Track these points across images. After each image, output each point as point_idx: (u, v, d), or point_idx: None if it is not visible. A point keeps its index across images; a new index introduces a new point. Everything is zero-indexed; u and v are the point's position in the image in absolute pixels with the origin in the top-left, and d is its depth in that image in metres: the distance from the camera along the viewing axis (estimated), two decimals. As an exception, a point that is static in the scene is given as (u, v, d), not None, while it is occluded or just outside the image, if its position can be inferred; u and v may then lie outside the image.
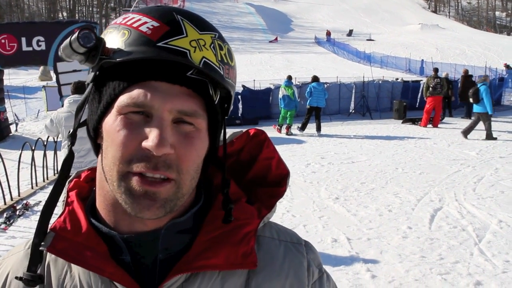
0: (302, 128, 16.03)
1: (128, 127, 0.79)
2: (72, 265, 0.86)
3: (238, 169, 1.00)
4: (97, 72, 0.82)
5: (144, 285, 0.84)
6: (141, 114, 0.79)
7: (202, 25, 0.83)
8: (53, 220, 0.88)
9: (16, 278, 0.85)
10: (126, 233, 0.85)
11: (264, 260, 0.89)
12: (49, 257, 0.88)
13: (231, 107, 0.91)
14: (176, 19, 0.81)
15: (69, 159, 0.86)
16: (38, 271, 0.85)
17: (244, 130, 1.01)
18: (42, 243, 0.84)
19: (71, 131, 0.86)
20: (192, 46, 0.79)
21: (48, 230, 0.86)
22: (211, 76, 0.81)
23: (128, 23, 0.82)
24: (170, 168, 0.79)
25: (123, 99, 0.79)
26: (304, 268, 0.93)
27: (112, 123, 0.80)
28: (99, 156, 0.86)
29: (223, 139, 0.92)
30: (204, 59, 0.80)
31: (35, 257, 0.84)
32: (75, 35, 0.79)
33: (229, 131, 0.97)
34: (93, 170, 0.97)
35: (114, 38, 0.81)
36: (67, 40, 0.82)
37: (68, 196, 0.92)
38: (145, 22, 0.81)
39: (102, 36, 0.83)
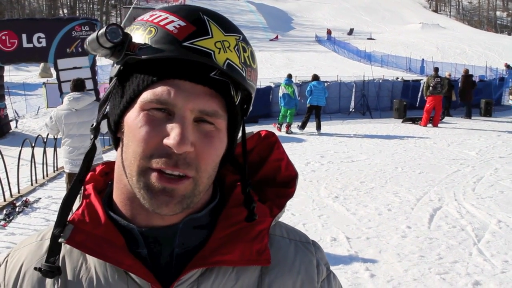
0: (302, 126, 16.03)
1: (150, 124, 0.80)
2: (88, 257, 0.88)
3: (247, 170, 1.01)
4: (121, 67, 0.83)
5: (160, 279, 0.85)
6: (163, 111, 0.80)
7: (227, 26, 0.84)
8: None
9: (35, 269, 0.86)
10: (144, 227, 0.87)
11: (276, 257, 0.92)
12: (64, 249, 0.89)
13: (251, 108, 0.92)
14: (202, 19, 0.82)
15: (92, 151, 0.88)
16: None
17: (255, 131, 1.02)
18: (62, 235, 0.85)
19: (95, 124, 0.87)
20: (217, 47, 0.81)
21: (67, 223, 0.87)
22: (234, 78, 0.82)
23: (155, 20, 0.83)
24: (190, 166, 0.80)
25: (146, 96, 0.80)
26: (313, 266, 0.96)
27: (134, 119, 0.82)
28: (119, 149, 0.88)
29: (242, 140, 0.94)
30: (228, 60, 0.81)
31: (55, 249, 0.86)
32: (103, 29, 0.81)
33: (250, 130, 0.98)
34: (107, 164, 1.00)
35: (141, 35, 0.82)
36: (94, 34, 0.84)
37: (85, 189, 0.93)
38: (172, 21, 0.82)
39: (128, 31, 0.85)
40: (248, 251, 0.87)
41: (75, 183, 0.88)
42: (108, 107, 0.88)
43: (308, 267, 0.95)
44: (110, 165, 0.99)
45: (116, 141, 0.90)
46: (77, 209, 0.89)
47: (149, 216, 0.86)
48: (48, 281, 0.88)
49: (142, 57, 0.79)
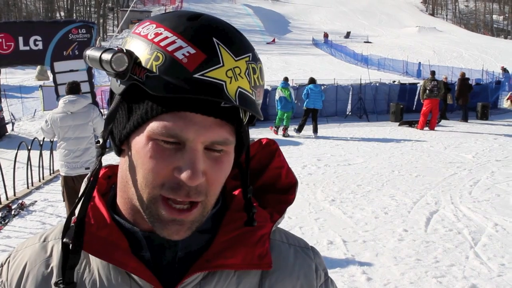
0: (299, 130, 16.01)
1: (160, 155, 0.79)
2: (91, 258, 0.88)
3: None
4: (126, 87, 0.81)
5: (163, 282, 0.85)
6: (172, 143, 0.79)
7: (238, 49, 0.80)
8: (51, 218, 0.88)
9: (55, 284, 0.85)
10: (147, 230, 0.87)
11: (276, 262, 0.93)
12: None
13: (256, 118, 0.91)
14: (212, 43, 0.78)
15: (98, 170, 0.87)
16: (54, 264, 0.89)
17: (256, 139, 1.03)
18: (66, 238, 0.85)
19: (101, 141, 0.84)
20: (228, 76, 0.77)
21: (71, 224, 0.87)
22: (245, 105, 0.80)
23: (162, 44, 0.78)
24: (201, 194, 0.80)
25: (156, 126, 0.78)
26: (312, 271, 0.97)
27: (143, 147, 0.80)
28: (124, 161, 0.87)
29: (246, 147, 0.92)
30: (239, 89, 0.79)
31: (73, 262, 0.85)
32: (109, 57, 0.78)
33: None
34: (110, 167, 0.99)
35: (146, 58, 0.78)
36: (96, 54, 0.81)
37: None
38: (181, 47, 0.77)
39: (129, 43, 0.82)
40: (250, 255, 0.88)
41: (84, 201, 0.86)
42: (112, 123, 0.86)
43: (307, 272, 0.96)
44: (113, 168, 0.98)
45: (120, 151, 0.88)
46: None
47: None
48: (53, 282, 0.87)
49: (151, 92, 0.76)
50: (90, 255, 0.87)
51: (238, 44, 0.81)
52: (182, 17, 0.82)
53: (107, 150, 0.88)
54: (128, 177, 0.85)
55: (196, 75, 0.76)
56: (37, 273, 0.89)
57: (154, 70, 0.77)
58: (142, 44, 0.80)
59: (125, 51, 0.78)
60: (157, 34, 0.79)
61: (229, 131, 0.81)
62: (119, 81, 0.82)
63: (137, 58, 0.78)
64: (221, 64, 0.77)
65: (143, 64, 0.78)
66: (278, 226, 1.00)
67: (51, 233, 0.96)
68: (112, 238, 0.86)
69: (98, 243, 0.85)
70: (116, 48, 0.80)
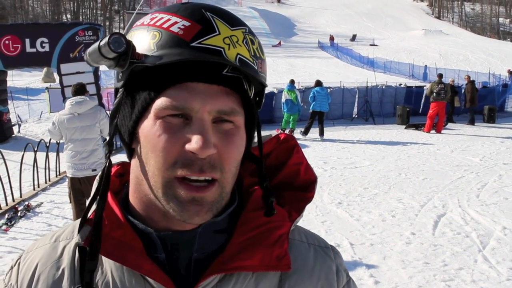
0: (305, 132, 16.00)
1: (169, 131, 0.77)
2: (104, 260, 0.85)
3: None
4: (128, 77, 0.80)
5: (179, 284, 0.83)
6: (180, 117, 0.78)
7: (232, 20, 0.82)
8: (57, 218, 0.86)
9: None
10: (162, 231, 0.85)
11: (295, 262, 0.89)
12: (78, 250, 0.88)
13: (263, 100, 0.91)
14: (206, 16, 0.79)
15: (109, 168, 0.86)
16: (65, 265, 0.87)
17: (273, 134, 1.01)
18: (79, 239, 0.84)
19: (108, 139, 0.85)
20: (226, 43, 0.78)
21: (85, 224, 0.85)
22: (247, 72, 0.80)
23: (158, 24, 0.80)
24: (215, 169, 0.78)
25: (160, 103, 0.77)
26: (333, 272, 0.94)
27: (150, 128, 0.79)
28: (135, 160, 0.85)
29: (258, 134, 0.91)
30: (239, 55, 0.79)
31: (90, 268, 0.83)
32: (105, 39, 0.77)
33: None
34: (122, 165, 0.97)
35: (144, 40, 0.80)
36: (95, 45, 0.80)
37: None
38: (176, 22, 0.79)
39: (129, 37, 0.82)
40: (268, 256, 0.84)
41: (100, 202, 0.84)
42: (118, 120, 0.85)
43: (328, 273, 0.93)
44: (125, 166, 0.96)
45: (130, 152, 0.87)
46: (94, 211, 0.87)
47: (168, 221, 0.84)
48: (64, 284, 0.85)
49: (151, 64, 0.76)
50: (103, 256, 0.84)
51: (232, 17, 0.83)
52: (176, 4, 0.84)
53: (116, 150, 0.87)
54: (140, 172, 0.83)
55: (193, 44, 0.77)
56: (48, 275, 0.87)
57: (153, 48, 0.78)
58: (139, 31, 0.82)
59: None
60: (152, 19, 0.82)
61: (234, 101, 0.80)
62: (120, 74, 0.82)
63: (134, 46, 0.79)
64: (217, 33, 0.78)
65: (142, 47, 0.79)
66: (297, 224, 0.96)
67: (62, 233, 0.93)
68: (126, 239, 0.84)
69: (111, 245, 0.83)
70: None
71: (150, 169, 0.80)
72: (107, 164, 0.85)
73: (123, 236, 0.84)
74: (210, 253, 0.86)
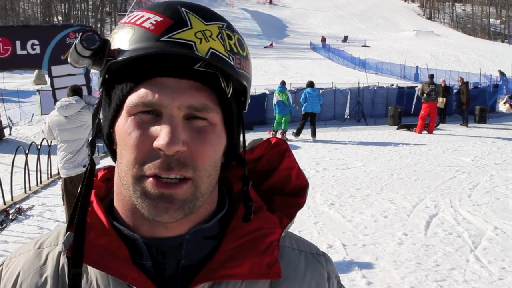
0: (297, 133, 16.00)
1: (139, 128, 0.76)
2: (89, 268, 0.82)
3: (255, 178, 0.96)
4: (106, 76, 0.80)
5: None
6: (151, 114, 0.76)
7: (209, 15, 0.80)
8: (50, 223, 0.84)
9: None
10: (148, 238, 0.82)
11: (286, 270, 0.87)
12: (63, 259, 0.85)
13: (249, 100, 0.88)
14: (180, 12, 0.78)
15: (92, 168, 0.84)
16: (49, 273, 0.84)
17: (264, 138, 0.98)
18: (62, 247, 0.80)
19: (90, 139, 0.83)
20: (198, 37, 0.76)
21: (68, 232, 0.82)
22: (221, 68, 0.78)
23: (132, 20, 0.79)
24: (185, 167, 0.76)
25: (131, 100, 0.77)
26: (325, 279, 0.92)
27: (123, 126, 0.78)
28: (117, 162, 0.83)
29: (242, 135, 0.89)
30: (211, 50, 0.76)
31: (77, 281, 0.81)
32: (79, 38, 0.77)
33: (247, 138, 0.93)
34: (109, 169, 0.95)
35: (120, 38, 0.79)
36: (73, 45, 0.80)
37: None
38: (148, 18, 0.78)
39: (111, 36, 0.82)
40: (257, 264, 0.82)
41: (82, 207, 0.82)
42: (100, 120, 0.84)
43: (319, 280, 0.91)
44: (111, 170, 0.93)
45: (114, 154, 0.85)
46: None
47: (153, 227, 0.82)
48: None
49: (120, 58, 0.76)
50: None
51: (209, 13, 0.81)
52: (158, 2, 0.83)
53: (106, 153, 0.86)
54: (119, 173, 0.81)
55: (163, 38, 0.75)
56: (31, 283, 0.84)
57: (126, 44, 0.77)
58: (118, 30, 0.81)
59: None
60: (129, 17, 0.82)
61: (207, 97, 0.77)
62: (101, 76, 0.81)
63: (110, 44, 0.79)
64: (189, 27, 0.77)
65: (118, 44, 0.78)
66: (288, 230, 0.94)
67: (46, 239, 0.90)
68: (111, 247, 0.81)
69: (95, 253, 0.80)
70: None
71: (122, 167, 0.79)
72: (89, 166, 0.83)
73: (108, 244, 0.81)
74: (198, 260, 0.84)
